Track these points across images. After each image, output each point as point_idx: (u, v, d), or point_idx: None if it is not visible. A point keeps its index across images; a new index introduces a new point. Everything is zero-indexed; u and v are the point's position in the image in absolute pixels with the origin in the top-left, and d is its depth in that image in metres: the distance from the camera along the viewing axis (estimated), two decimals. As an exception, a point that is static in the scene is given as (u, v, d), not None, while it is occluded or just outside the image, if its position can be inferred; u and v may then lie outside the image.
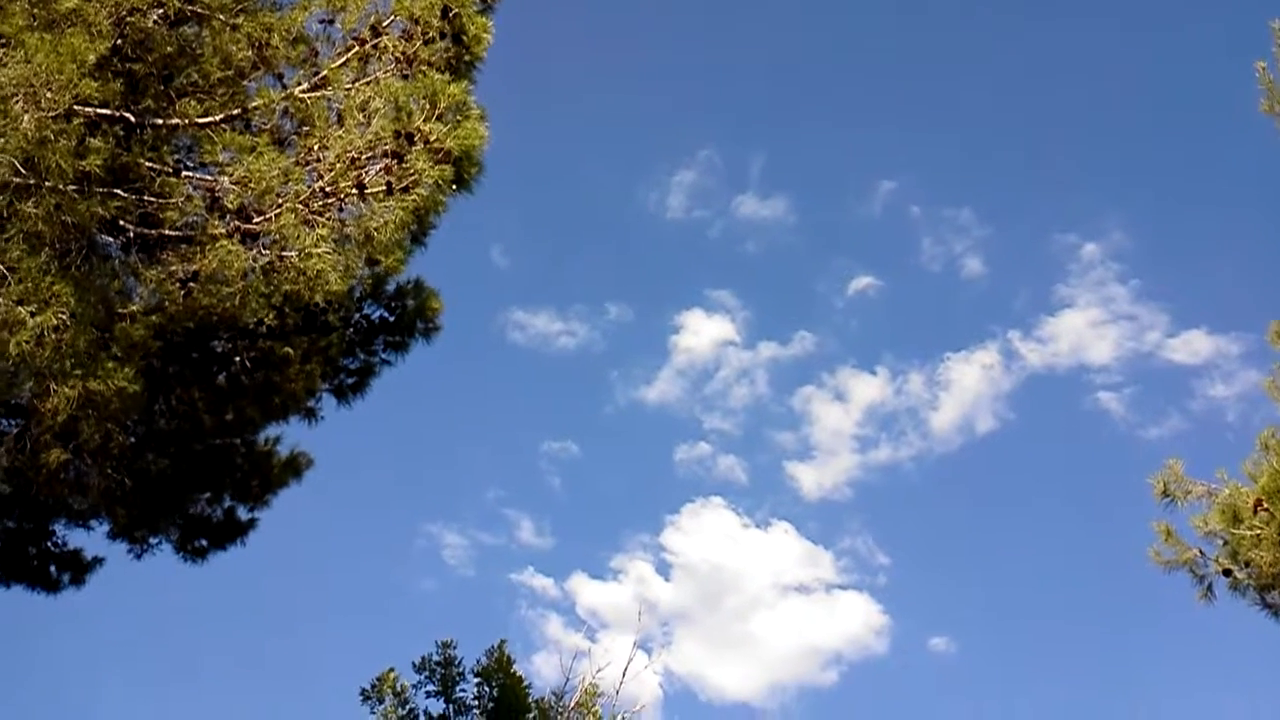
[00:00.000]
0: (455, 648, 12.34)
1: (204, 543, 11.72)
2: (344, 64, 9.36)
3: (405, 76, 9.20)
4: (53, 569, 11.69)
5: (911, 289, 37.64)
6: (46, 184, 7.77)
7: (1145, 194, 38.92)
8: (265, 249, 8.71)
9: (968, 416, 34.05)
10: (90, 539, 11.66)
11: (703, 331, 35.82)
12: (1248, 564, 11.96)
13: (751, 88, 40.75)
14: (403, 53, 9.31)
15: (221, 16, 9.09)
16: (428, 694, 12.17)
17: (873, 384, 35.22)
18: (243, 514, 11.80)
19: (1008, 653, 32.76)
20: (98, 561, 11.87)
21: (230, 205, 8.65)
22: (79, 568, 11.81)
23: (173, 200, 8.77)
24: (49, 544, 11.61)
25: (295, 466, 11.73)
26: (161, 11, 8.77)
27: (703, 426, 35.29)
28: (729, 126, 40.21)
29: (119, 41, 8.49)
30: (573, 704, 12.15)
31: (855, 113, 40.63)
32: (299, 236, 8.57)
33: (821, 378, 35.61)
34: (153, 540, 11.58)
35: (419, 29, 9.41)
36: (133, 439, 10.57)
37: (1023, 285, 37.44)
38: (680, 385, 35.30)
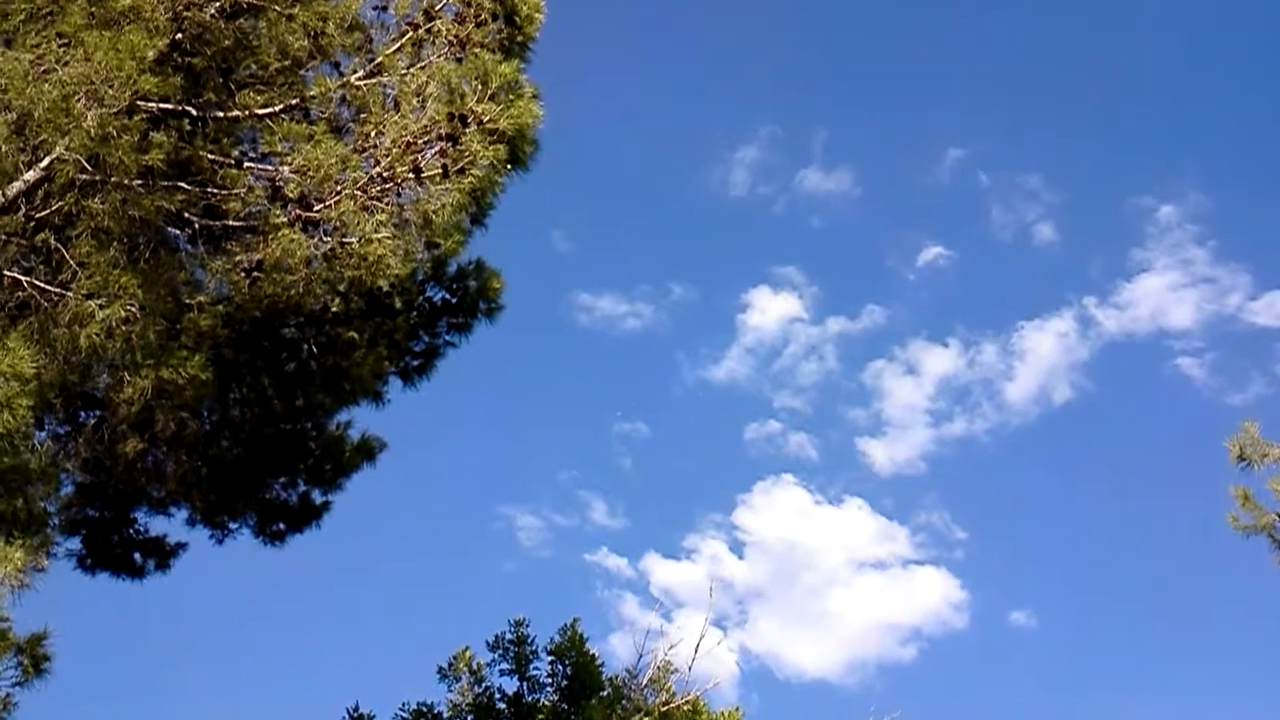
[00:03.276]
0: (528, 625, 12.42)
1: (282, 526, 11.91)
2: (399, 49, 9.45)
3: (458, 59, 9.26)
4: (136, 556, 11.94)
5: (982, 258, 36.81)
6: (112, 180, 7.94)
7: (1222, 152, 37.77)
8: (327, 236, 8.85)
9: (1044, 386, 33.41)
10: (171, 525, 11.91)
11: (769, 309, 35.31)
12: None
13: (812, 60, 40.19)
14: (456, 35, 9.36)
15: (278, 7, 9.19)
16: (502, 672, 12.29)
17: (945, 356, 34.53)
18: (317, 497, 11.96)
19: (1091, 625, 32.20)
20: (181, 547, 12.10)
21: (291, 194, 8.79)
22: (162, 553, 12.04)
23: (235, 191, 8.93)
24: (130, 531, 11.86)
25: (367, 450, 11.88)
26: (218, 5, 8.92)
27: (772, 404, 34.91)
28: (790, 101, 39.49)
29: (177, 36, 8.63)
30: (645, 681, 12.19)
31: (919, 81, 39.83)
32: (359, 222, 8.69)
33: (892, 351, 34.97)
34: (232, 525, 11.81)
35: (471, 11, 9.46)
36: (207, 427, 10.80)
37: (1097, 250, 36.52)
38: (748, 363, 35.02)
